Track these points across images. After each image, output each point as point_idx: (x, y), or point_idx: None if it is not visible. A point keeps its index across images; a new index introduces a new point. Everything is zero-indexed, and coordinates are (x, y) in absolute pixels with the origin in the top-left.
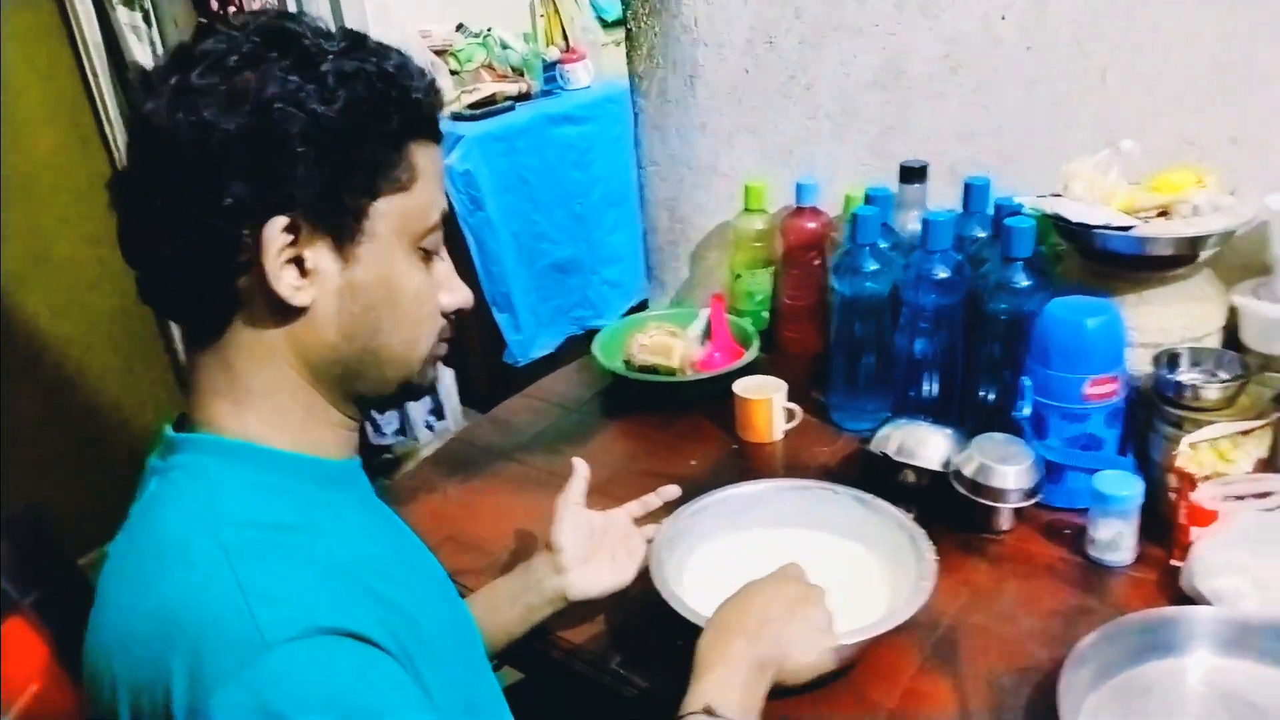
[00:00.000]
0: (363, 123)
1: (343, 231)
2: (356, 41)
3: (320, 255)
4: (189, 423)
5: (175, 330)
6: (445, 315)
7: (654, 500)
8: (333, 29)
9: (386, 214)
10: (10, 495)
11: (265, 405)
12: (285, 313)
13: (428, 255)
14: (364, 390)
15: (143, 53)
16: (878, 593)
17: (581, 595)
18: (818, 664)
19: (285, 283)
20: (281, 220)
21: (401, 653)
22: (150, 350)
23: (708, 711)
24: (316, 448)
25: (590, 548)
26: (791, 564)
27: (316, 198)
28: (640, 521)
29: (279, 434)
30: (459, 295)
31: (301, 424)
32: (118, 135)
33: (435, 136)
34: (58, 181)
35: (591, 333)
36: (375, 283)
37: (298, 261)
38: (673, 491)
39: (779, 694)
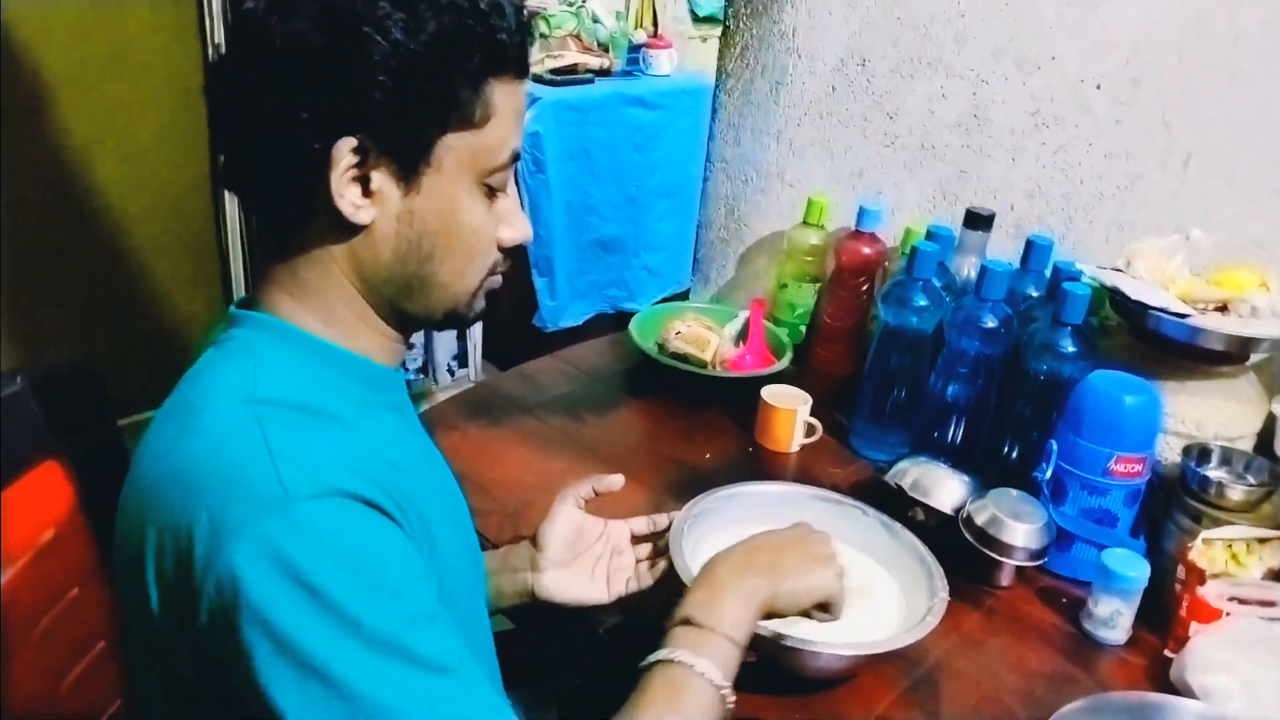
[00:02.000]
0: (444, 58)
1: (409, 160)
2: None
3: (384, 179)
4: (252, 303)
5: (230, 219)
6: (501, 249)
7: (662, 520)
8: None
9: (455, 148)
10: (61, 350)
11: (321, 305)
12: (346, 228)
13: (492, 191)
14: (412, 311)
15: None
16: (886, 616)
17: (548, 598)
18: (818, 586)
19: (348, 200)
20: (350, 141)
21: (418, 543)
22: (204, 237)
23: (688, 622)
24: (364, 350)
25: (574, 553)
26: (800, 521)
27: (387, 124)
28: (639, 539)
29: (331, 330)
30: (518, 230)
31: (352, 328)
32: (217, 28)
33: (520, 73)
34: (148, 60)
35: (620, 314)
36: (434, 213)
37: (364, 180)
38: (679, 515)
39: (755, 691)
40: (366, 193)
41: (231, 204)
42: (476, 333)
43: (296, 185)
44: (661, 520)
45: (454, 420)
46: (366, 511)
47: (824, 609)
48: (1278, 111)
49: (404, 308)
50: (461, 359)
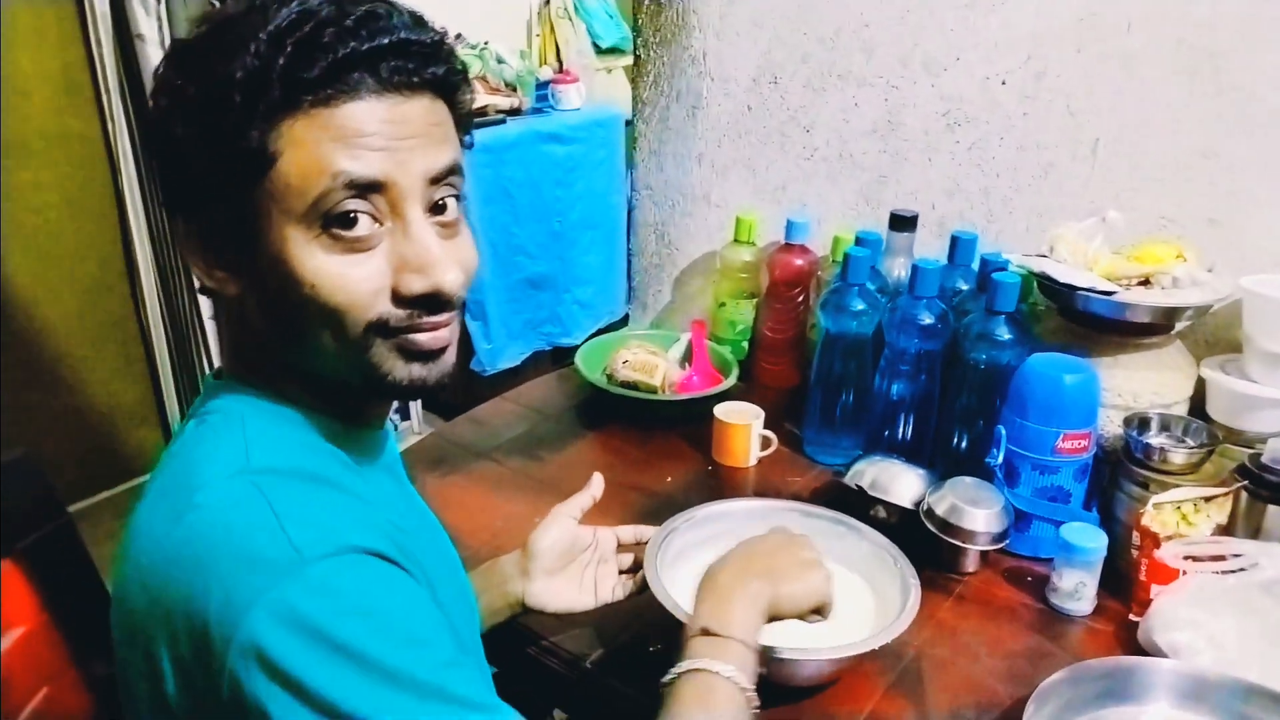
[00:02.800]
0: (205, 127)
1: (221, 226)
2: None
3: (223, 248)
4: (226, 372)
5: (147, 303)
6: (400, 299)
7: (646, 532)
8: None
9: (256, 197)
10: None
11: (273, 373)
12: (228, 302)
13: (340, 231)
14: (329, 377)
15: (149, 26)
16: (863, 616)
17: (537, 606)
18: (812, 590)
19: (197, 275)
20: (180, 221)
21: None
22: (124, 317)
23: (706, 632)
24: (347, 413)
25: (564, 562)
26: (778, 525)
27: (180, 199)
28: (624, 549)
29: (308, 394)
30: (420, 278)
31: (312, 392)
32: (114, 105)
33: (328, 98)
34: (46, 144)
35: (558, 350)
36: (269, 269)
37: (216, 249)
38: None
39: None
40: (222, 264)
41: (149, 281)
42: None
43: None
44: (646, 532)
45: (412, 473)
46: (381, 565)
47: (817, 611)
48: (1173, 92)
49: (321, 374)
50: (403, 412)
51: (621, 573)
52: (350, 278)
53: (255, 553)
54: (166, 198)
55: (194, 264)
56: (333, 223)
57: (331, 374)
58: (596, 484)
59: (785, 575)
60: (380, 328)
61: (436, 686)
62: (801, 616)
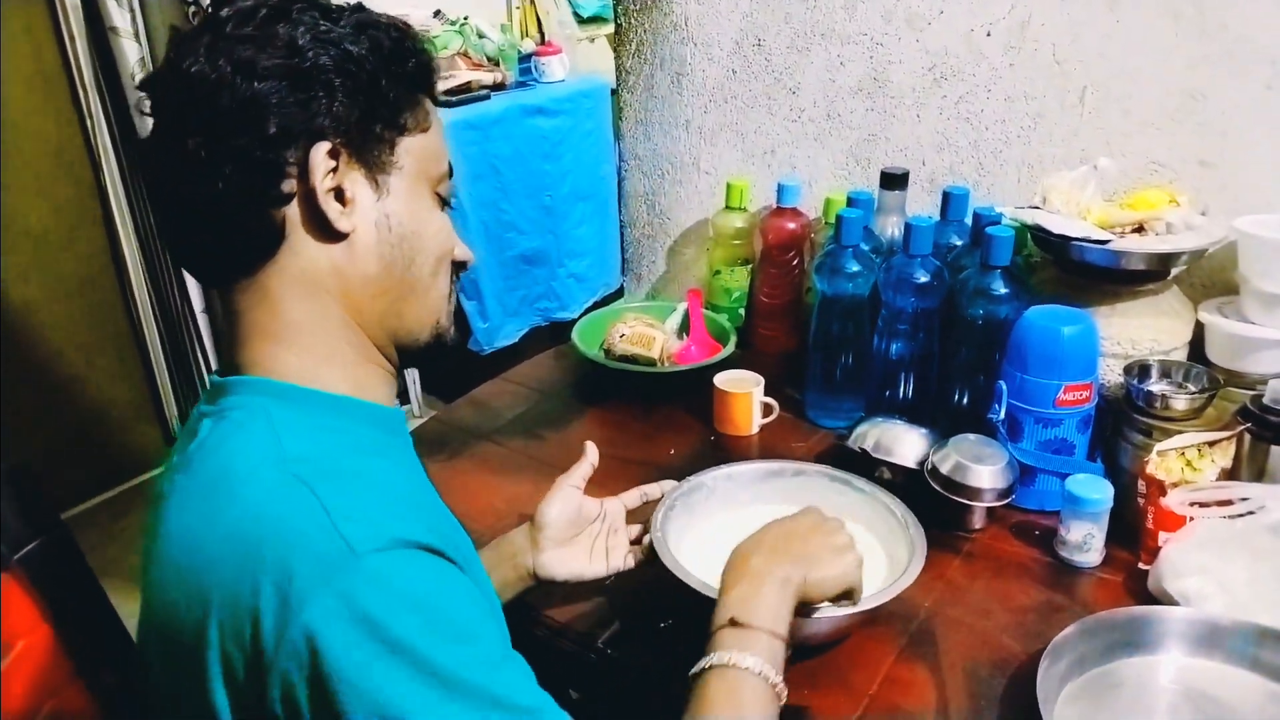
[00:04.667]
0: (386, 63)
1: (376, 161)
2: (362, 8)
3: (357, 184)
4: (234, 367)
5: (137, 299)
6: (455, 264)
7: (654, 491)
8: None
9: (411, 150)
10: None
11: (313, 342)
12: (329, 242)
13: (443, 203)
14: (401, 329)
15: (122, 18)
16: (874, 575)
17: (548, 576)
18: (843, 575)
19: (332, 207)
20: (325, 145)
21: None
22: (115, 319)
23: (733, 623)
24: (366, 390)
25: (574, 531)
26: (810, 506)
27: (353, 126)
28: (633, 517)
29: (330, 371)
30: (464, 250)
31: (351, 361)
32: (91, 100)
33: (435, 98)
34: (26, 145)
35: (555, 325)
36: (407, 213)
37: (337, 191)
38: (668, 485)
39: None
40: (342, 201)
41: (138, 279)
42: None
43: (267, 211)
44: (653, 490)
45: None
46: (431, 559)
47: (846, 596)
48: (1160, 37)
49: (394, 326)
50: (402, 395)
51: (633, 542)
52: (450, 237)
53: (306, 547)
54: (296, 134)
55: (323, 194)
56: (440, 194)
57: (417, 322)
58: (591, 452)
59: (818, 560)
60: (451, 283)
61: (485, 690)
62: (831, 601)
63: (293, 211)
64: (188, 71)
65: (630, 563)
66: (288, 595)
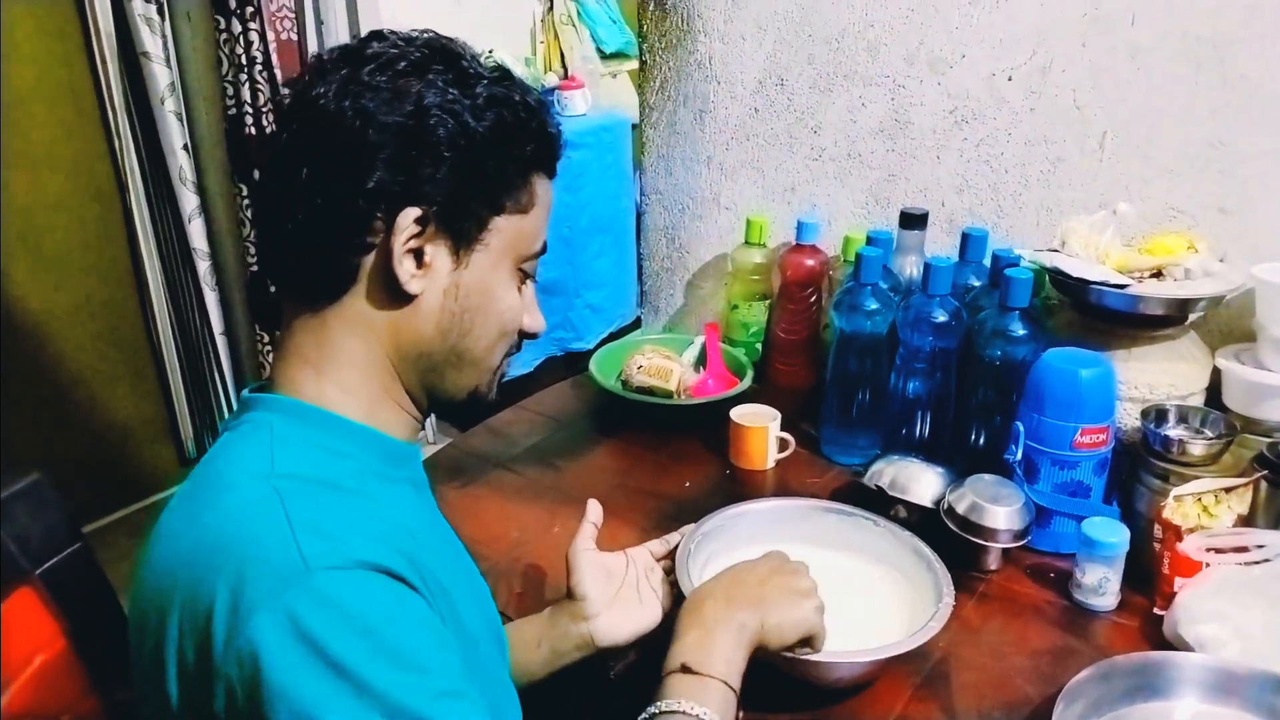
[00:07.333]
0: (502, 143)
1: (463, 235)
2: (506, 74)
3: (438, 252)
4: (269, 384)
5: (158, 320)
6: (521, 333)
7: (674, 537)
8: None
9: (503, 230)
10: (13, 470)
11: (345, 374)
12: (395, 298)
13: (524, 278)
14: (440, 388)
15: (154, 44)
16: (893, 619)
17: (610, 640)
18: (801, 621)
19: (405, 268)
20: (415, 211)
21: (444, 617)
22: (134, 335)
23: (685, 669)
24: (383, 425)
25: (611, 591)
26: (774, 550)
27: (449, 199)
28: (662, 560)
29: (352, 402)
30: (537, 321)
31: (376, 399)
32: (120, 122)
33: (554, 173)
34: (54, 161)
35: (570, 355)
36: (478, 289)
37: (417, 253)
38: (688, 528)
39: (772, 710)
40: (420, 264)
41: (159, 298)
42: None
43: (348, 255)
44: (674, 538)
45: (431, 485)
46: (389, 583)
47: (806, 643)
48: (1179, 84)
49: (433, 383)
50: None
51: (669, 574)
52: (520, 312)
53: (263, 557)
54: (392, 193)
55: (400, 256)
56: (524, 270)
57: (456, 385)
58: (593, 511)
59: (774, 605)
60: (509, 352)
61: (419, 717)
62: (790, 649)
63: (369, 260)
64: (315, 100)
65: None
66: (238, 603)
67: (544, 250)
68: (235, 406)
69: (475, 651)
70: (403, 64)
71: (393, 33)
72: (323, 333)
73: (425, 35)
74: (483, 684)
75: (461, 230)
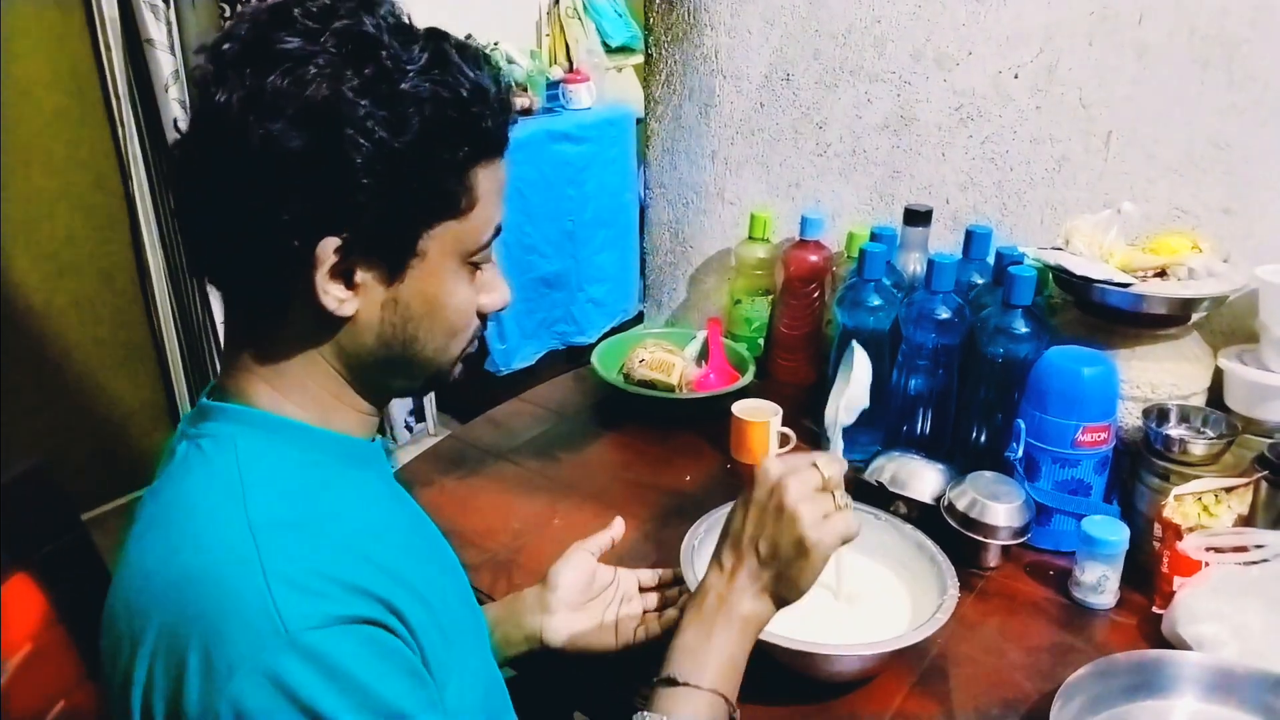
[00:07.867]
0: (431, 152)
1: (393, 254)
2: (438, 54)
3: (369, 272)
4: (223, 392)
5: (159, 307)
6: (480, 315)
7: (667, 574)
8: (413, 26)
9: (440, 238)
10: (12, 456)
11: (295, 385)
12: (329, 320)
13: (476, 266)
14: (393, 386)
15: (158, 31)
16: (896, 613)
17: (557, 643)
18: (815, 566)
19: (331, 296)
20: (334, 241)
21: (419, 632)
22: (135, 325)
23: (671, 681)
24: (340, 427)
25: (586, 597)
26: (767, 464)
27: (372, 223)
28: (647, 590)
29: (307, 410)
30: (499, 295)
31: (329, 406)
32: (124, 110)
33: (502, 151)
34: (56, 149)
35: (571, 349)
36: (419, 298)
37: (346, 274)
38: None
39: (772, 702)
40: (350, 285)
41: (161, 287)
42: None
43: (274, 281)
44: (668, 575)
45: (429, 476)
46: (366, 633)
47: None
48: (1186, 84)
49: (386, 383)
50: (418, 414)
51: (646, 613)
52: (474, 302)
53: (242, 615)
54: (307, 225)
55: (324, 286)
56: (475, 261)
57: (409, 381)
58: (617, 527)
59: (783, 572)
60: (472, 338)
61: None
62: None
63: (298, 284)
64: (218, 110)
65: (641, 636)
66: (214, 660)
67: (498, 233)
68: (192, 411)
69: (459, 647)
70: (311, 70)
71: (303, 13)
72: (267, 348)
73: (340, 23)
74: (463, 676)
75: (390, 251)
